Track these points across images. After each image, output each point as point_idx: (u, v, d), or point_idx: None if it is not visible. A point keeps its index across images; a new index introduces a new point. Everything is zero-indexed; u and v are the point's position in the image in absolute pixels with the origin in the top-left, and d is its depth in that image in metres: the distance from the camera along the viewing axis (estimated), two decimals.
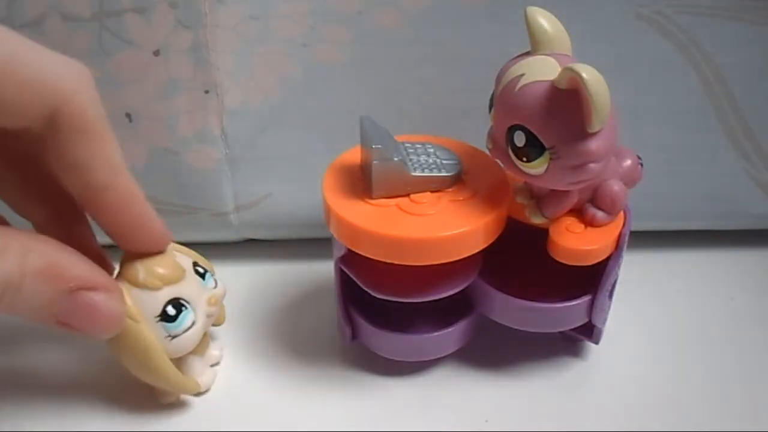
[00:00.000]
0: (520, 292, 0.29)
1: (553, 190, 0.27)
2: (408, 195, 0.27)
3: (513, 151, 0.24)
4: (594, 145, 0.23)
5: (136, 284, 0.26)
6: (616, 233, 0.27)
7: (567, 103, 0.23)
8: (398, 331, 0.30)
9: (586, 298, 0.29)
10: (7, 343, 0.33)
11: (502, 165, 0.26)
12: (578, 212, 0.27)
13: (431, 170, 0.27)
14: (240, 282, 0.36)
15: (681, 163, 0.35)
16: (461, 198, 0.27)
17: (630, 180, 0.27)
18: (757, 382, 0.31)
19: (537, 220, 0.27)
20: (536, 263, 0.28)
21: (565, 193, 0.26)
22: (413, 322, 0.30)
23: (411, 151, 0.28)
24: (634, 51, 0.32)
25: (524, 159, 0.24)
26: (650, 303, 0.35)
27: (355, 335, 0.31)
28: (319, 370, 0.31)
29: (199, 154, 0.34)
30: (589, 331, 0.31)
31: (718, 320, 0.34)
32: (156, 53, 0.31)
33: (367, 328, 0.30)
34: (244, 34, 0.31)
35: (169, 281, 0.27)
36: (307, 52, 0.32)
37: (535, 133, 0.23)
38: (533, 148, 0.24)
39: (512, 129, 0.24)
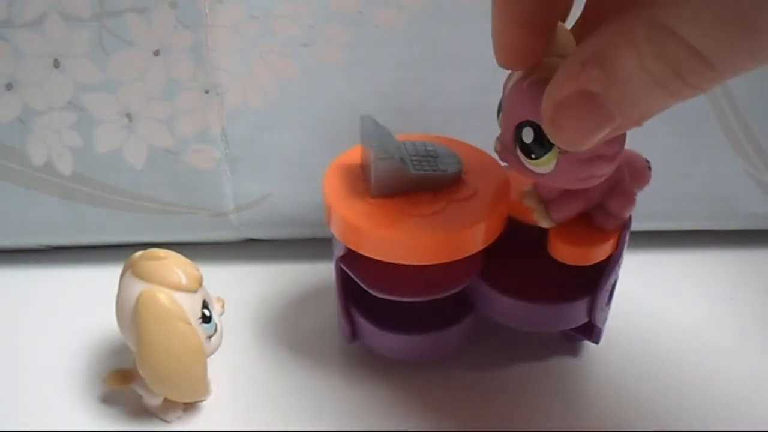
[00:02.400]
0: (520, 292, 0.29)
1: (562, 194, 0.26)
2: (408, 194, 0.27)
3: (521, 150, 0.24)
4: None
5: (179, 288, 0.26)
6: (616, 233, 0.27)
7: None
8: (398, 330, 0.29)
9: (586, 298, 0.29)
10: (6, 343, 0.33)
11: (511, 168, 0.26)
12: (586, 217, 0.27)
13: (431, 169, 0.27)
14: (240, 282, 0.36)
15: (681, 163, 0.35)
16: (461, 197, 0.27)
17: (639, 184, 0.27)
18: (757, 382, 0.31)
19: (546, 225, 0.27)
20: (536, 263, 0.28)
21: (574, 196, 0.26)
22: (413, 322, 0.30)
23: (411, 150, 0.28)
24: None
25: (533, 156, 0.24)
26: (650, 303, 0.35)
27: (355, 335, 0.31)
28: (319, 370, 0.31)
29: (199, 154, 0.34)
30: (589, 330, 0.31)
31: (718, 320, 0.34)
32: (156, 53, 0.31)
33: (367, 328, 0.30)
34: (244, 34, 0.31)
35: (201, 282, 0.27)
36: (307, 52, 0.32)
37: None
38: (542, 143, 0.23)
39: (520, 126, 0.24)
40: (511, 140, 0.24)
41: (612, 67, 0.18)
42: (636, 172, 0.27)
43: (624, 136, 0.24)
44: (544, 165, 0.24)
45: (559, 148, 0.23)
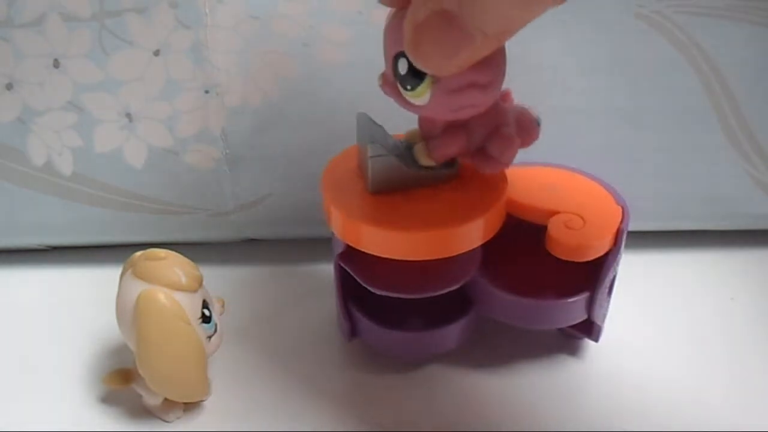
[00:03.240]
0: (519, 288, 0.29)
1: (442, 131, 0.26)
2: (406, 191, 0.27)
3: (399, 82, 0.24)
4: (479, 63, 0.22)
5: (180, 288, 0.26)
6: (615, 229, 0.27)
7: None
8: (397, 327, 0.30)
9: (585, 295, 0.29)
10: (6, 343, 0.33)
11: (394, 101, 0.25)
12: (469, 159, 0.27)
13: (429, 166, 0.27)
14: (240, 282, 0.36)
15: (681, 163, 0.35)
16: (459, 193, 0.27)
17: (527, 138, 0.27)
18: (757, 382, 0.31)
19: (425, 162, 0.27)
20: (535, 260, 0.28)
21: (454, 134, 0.26)
22: (412, 319, 0.30)
23: (408, 146, 0.28)
24: (634, 51, 0.32)
25: (408, 87, 0.23)
26: (650, 303, 0.35)
27: (354, 332, 0.31)
28: (318, 370, 0.31)
29: (199, 154, 0.34)
30: (589, 328, 0.31)
31: (718, 320, 0.34)
32: (156, 53, 0.31)
33: (366, 325, 0.30)
34: (244, 34, 0.31)
35: (201, 282, 0.27)
36: (307, 52, 0.32)
37: None
38: (415, 74, 0.23)
39: (397, 58, 0.23)
40: (391, 73, 0.24)
41: None
42: (524, 126, 0.26)
43: (499, 63, 0.23)
44: (420, 96, 0.23)
45: (432, 77, 0.23)
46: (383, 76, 0.25)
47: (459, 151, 0.26)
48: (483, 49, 0.20)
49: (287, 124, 0.34)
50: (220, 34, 0.31)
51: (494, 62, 0.23)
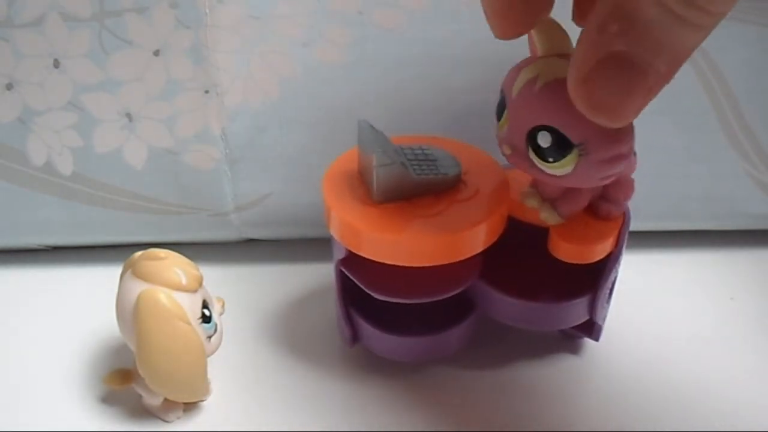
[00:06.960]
0: (521, 291, 0.29)
1: (567, 190, 0.26)
2: (409, 198, 0.27)
3: (537, 154, 0.24)
4: (624, 135, 0.23)
5: (179, 288, 0.26)
6: (616, 231, 0.27)
7: None
8: (399, 332, 0.29)
9: (587, 296, 0.29)
10: (6, 343, 0.33)
11: (523, 171, 0.25)
12: (590, 209, 0.27)
13: (432, 173, 0.27)
14: (240, 282, 0.36)
15: (681, 163, 0.35)
16: (462, 199, 0.27)
17: (629, 171, 0.27)
18: (757, 382, 0.31)
19: (553, 222, 0.27)
20: (536, 262, 0.28)
21: (580, 191, 0.26)
22: (414, 324, 0.30)
23: (410, 154, 0.28)
24: None
25: (551, 159, 0.23)
26: (650, 303, 0.35)
27: (355, 338, 0.31)
28: (319, 370, 0.31)
29: (199, 154, 0.34)
30: (589, 328, 0.31)
31: (718, 320, 0.34)
32: (156, 53, 0.31)
33: (367, 330, 0.30)
34: (244, 34, 0.31)
35: (201, 282, 0.27)
36: (307, 52, 0.32)
37: (562, 130, 0.23)
38: (560, 147, 0.23)
39: (534, 131, 0.23)
40: (522, 144, 0.24)
41: (631, 16, 0.17)
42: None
43: (633, 133, 0.23)
44: (563, 168, 0.23)
45: (579, 149, 0.23)
46: (509, 145, 0.25)
47: (585, 204, 0.27)
48: (655, 89, 0.19)
49: (287, 124, 0.34)
50: (220, 34, 0.31)
51: (631, 133, 0.23)
